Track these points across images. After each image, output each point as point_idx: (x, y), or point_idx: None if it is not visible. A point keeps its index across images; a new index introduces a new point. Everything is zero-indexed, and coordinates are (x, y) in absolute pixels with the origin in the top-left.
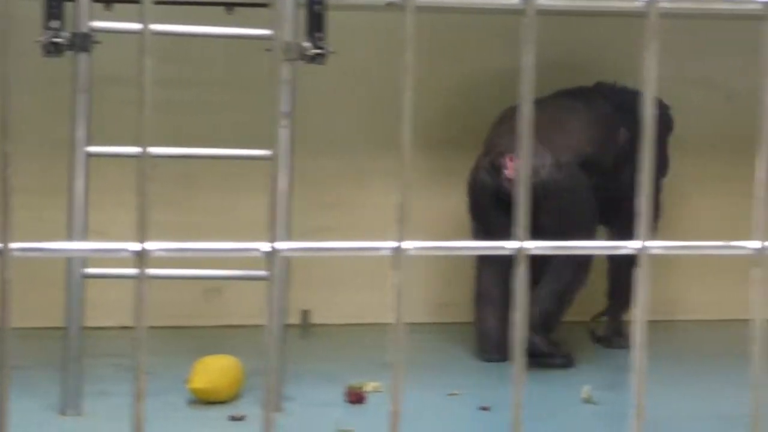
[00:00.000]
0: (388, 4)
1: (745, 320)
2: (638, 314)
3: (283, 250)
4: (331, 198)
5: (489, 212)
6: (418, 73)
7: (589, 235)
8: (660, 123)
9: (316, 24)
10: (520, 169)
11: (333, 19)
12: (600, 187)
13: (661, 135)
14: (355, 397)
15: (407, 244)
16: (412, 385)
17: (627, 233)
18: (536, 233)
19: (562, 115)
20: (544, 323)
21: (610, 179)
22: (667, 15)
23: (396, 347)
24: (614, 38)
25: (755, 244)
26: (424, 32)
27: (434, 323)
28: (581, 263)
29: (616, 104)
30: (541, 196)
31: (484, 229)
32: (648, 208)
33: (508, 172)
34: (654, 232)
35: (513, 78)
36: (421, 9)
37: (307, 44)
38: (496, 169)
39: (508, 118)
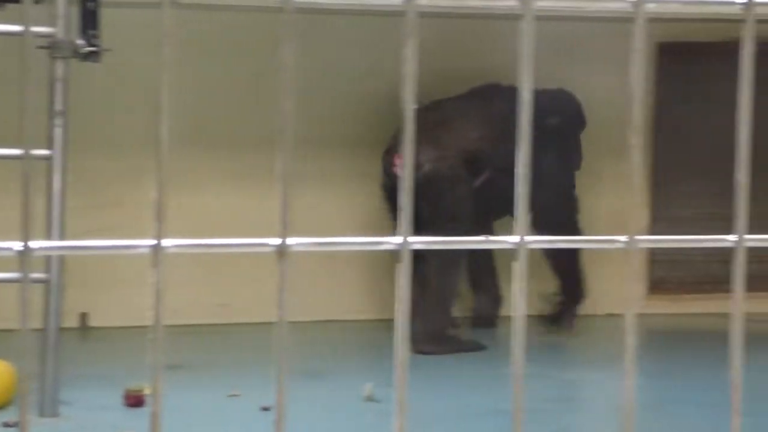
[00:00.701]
0: (174, 2)
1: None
2: (402, 310)
3: (36, 249)
4: (109, 198)
5: (390, 206)
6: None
7: (463, 226)
8: (575, 119)
9: (90, 21)
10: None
11: (107, 17)
12: (493, 182)
13: (575, 130)
14: (134, 400)
15: (166, 242)
16: (193, 386)
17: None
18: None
19: (454, 114)
20: (434, 335)
21: (505, 175)
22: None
23: (155, 348)
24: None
25: (514, 238)
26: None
27: (217, 324)
28: (450, 261)
29: (517, 105)
30: (422, 187)
31: (390, 218)
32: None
33: (395, 169)
34: (574, 223)
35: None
36: (180, 6)
37: (80, 42)
38: (389, 166)
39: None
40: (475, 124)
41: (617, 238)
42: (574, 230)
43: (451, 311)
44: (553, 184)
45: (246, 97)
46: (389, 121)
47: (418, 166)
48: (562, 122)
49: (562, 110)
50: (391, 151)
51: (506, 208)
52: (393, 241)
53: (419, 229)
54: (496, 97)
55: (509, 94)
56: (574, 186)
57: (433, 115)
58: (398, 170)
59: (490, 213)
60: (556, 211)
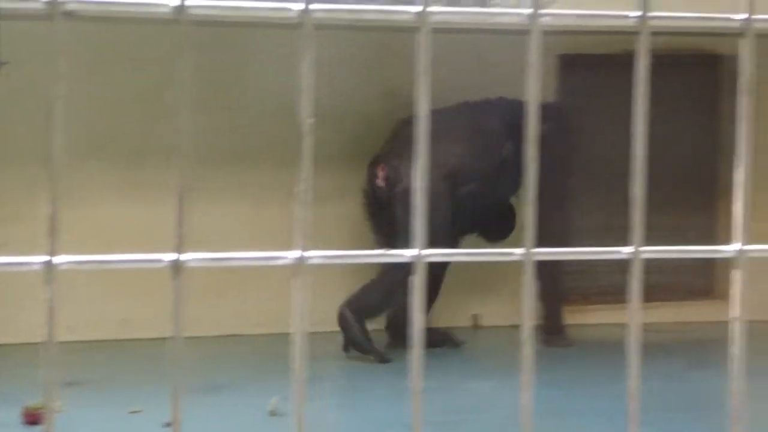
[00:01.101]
0: (67, 13)
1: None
2: (298, 325)
3: None
4: (6, 212)
5: (371, 216)
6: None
7: (438, 240)
8: (566, 130)
9: None
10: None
11: (4, 29)
12: (476, 195)
13: (568, 141)
14: (32, 418)
15: (58, 259)
16: (93, 403)
17: (500, 235)
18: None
19: (441, 128)
20: (363, 309)
21: (489, 187)
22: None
23: (48, 365)
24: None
25: (412, 251)
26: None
27: (118, 339)
28: (406, 274)
29: (505, 118)
30: (401, 200)
31: (372, 230)
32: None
33: (378, 181)
34: (571, 230)
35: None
36: (73, 18)
37: None
38: (372, 178)
39: (392, 132)
40: (462, 139)
41: (513, 250)
42: (570, 236)
43: (380, 311)
44: (555, 197)
45: (147, 109)
46: (371, 134)
47: (399, 179)
48: (558, 134)
49: (554, 122)
50: (375, 162)
51: (475, 226)
52: (290, 255)
53: (398, 240)
54: (487, 112)
55: (500, 108)
56: (571, 196)
57: (414, 129)
58: (380, 182)
59: (462, 229)
60: (557, 220)
